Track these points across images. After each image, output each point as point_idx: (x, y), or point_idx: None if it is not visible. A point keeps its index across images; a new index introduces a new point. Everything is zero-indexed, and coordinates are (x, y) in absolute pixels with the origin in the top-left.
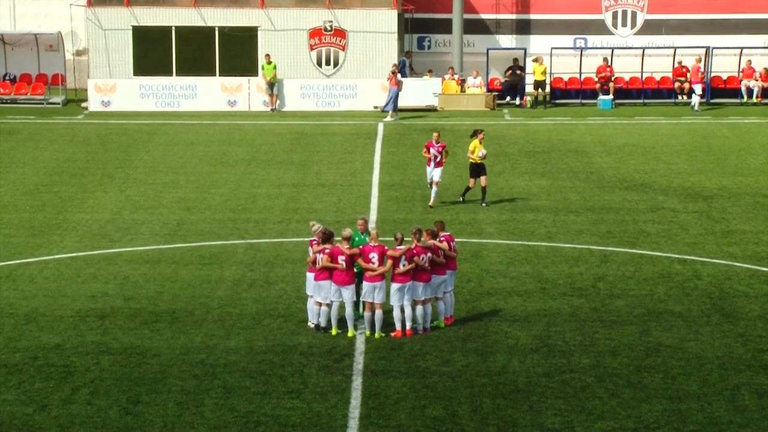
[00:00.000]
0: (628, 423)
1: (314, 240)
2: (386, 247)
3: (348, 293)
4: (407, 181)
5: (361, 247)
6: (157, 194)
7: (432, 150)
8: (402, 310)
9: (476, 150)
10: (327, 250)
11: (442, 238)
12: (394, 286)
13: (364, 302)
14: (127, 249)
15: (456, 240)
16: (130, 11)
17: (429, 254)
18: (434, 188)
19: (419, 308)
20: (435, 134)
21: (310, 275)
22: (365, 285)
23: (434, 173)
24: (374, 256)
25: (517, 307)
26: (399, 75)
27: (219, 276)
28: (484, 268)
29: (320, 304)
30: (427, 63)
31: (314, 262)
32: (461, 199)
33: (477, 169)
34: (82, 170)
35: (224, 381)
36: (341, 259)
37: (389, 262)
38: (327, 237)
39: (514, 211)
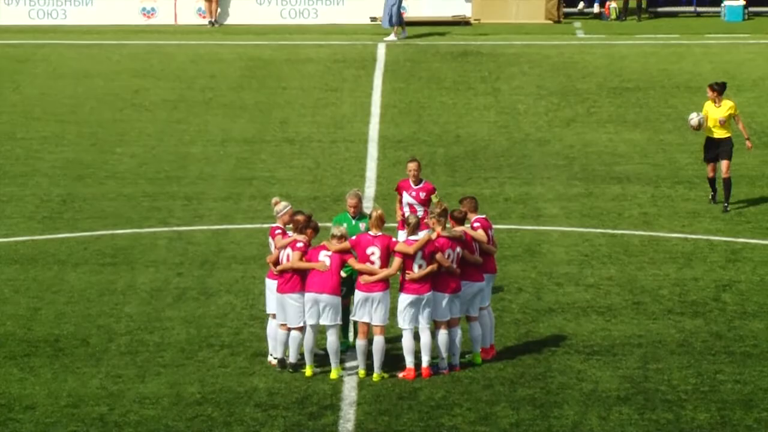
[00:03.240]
0: None
1: (278, 227)
2: (393, 239)
3: (331, 310)
4: (423, 134)
5: (353, 238)
6: (32, 155)
7: (408, 197)
8: (416, 337)
9: (709, 113)
10: (299, 244)
11: (477, 224)
12: (405, 298)
13: (355, 323)
14: None
15: (495, 227)
16: None
17: (458, 249)
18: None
19: (442, 334)
20: (412, 164)
21: (271, 283)
22: (358, 296)
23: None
24: (374, 252)
25: (596, 333)
26: None
27: (128, 283)
28: (543, 270)
29: (288, 328)
30: None
31: (277, 263)
32: (711, 199)
33: (712, 147)
34: None
35: None
36: (324, 255)
37: (397, 262)
38: (303, 225)
39: (590, 181)
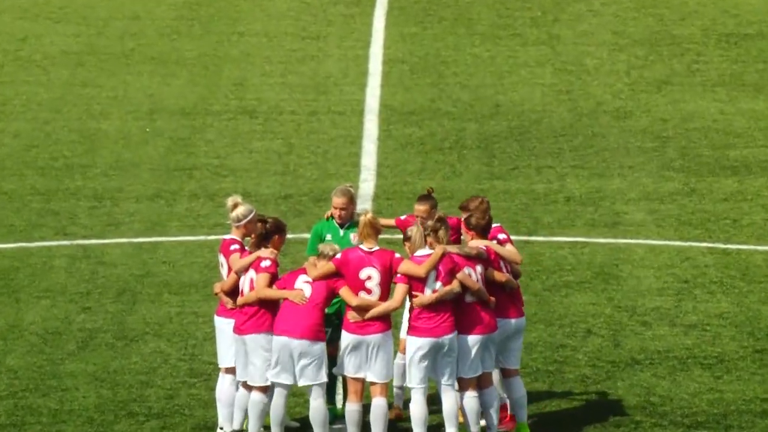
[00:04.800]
0: None
1: (234, 241)
2: (396, 254)
3: (313, 363)
4: (446, 103)
5: (340, 255)
6: None
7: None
8: (430, 400)
9: None
10: (266, 263)
11: (503, 235)
12: (415, 344)
13: (343, 381)
14: None
15: (553, 239)
16: None
17: (480, 268)
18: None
19: (471, 398)
20: (421, 206)
21: (222, 323)
22: (346, 340)
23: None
24: (371, 276)
25: (702, 395)
26: None
27: (11, 322)
28: (623, 303)
29: (249, 388)
30: None
31: (234, 292)
32: None
33: None
34: None
35: None
36: (303, 281)
37: (401, 290)
38: (263, 232)
39: (692, 173)
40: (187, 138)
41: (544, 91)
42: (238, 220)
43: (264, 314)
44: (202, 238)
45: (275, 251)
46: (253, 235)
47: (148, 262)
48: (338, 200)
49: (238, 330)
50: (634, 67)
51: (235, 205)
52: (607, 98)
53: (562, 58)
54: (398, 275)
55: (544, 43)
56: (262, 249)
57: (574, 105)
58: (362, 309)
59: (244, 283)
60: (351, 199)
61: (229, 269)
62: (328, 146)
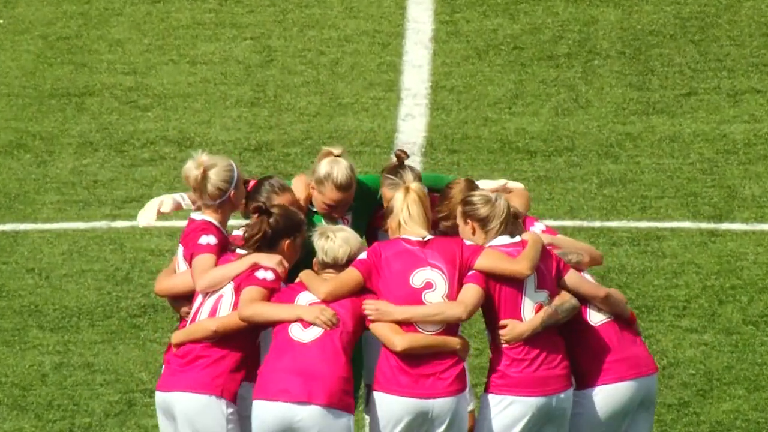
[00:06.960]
0: None
1: (209, 226)
2: (466, 242)
3: None
4: None
5: (367, 253)
6: None
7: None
8: None
9: None
10: (266, 275)
11: (541, 225)
12: (505, 407)
13: None
14: None
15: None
16: None
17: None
18: None
19: None
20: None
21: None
22: (386, 407)
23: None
24: (432, 283)
25: None
26: None
27: None
28: None
29: None
30: None
31: (184, 299)
32: None
33: None
34: None
35: None
36: (307, 299)
37: (474, 292)
38: (275, 233)
39: None
40: (74, 36)
41: None
42: (221, 194)
43: (232, 362)
44: (102, 224)
45: (285, 262)
46: (244, 233)
47: (1, 268)
48: (335, 195)
49: (167, 385)
50: None
51: (205, 172)
52: None
53: None
54: (471, 274)
55: None
56: (262, 255)
57: None
58: (406, 345)
59: (203, 306)
60: (353, 172)
61: (194, 271)
62: (339, 53)
